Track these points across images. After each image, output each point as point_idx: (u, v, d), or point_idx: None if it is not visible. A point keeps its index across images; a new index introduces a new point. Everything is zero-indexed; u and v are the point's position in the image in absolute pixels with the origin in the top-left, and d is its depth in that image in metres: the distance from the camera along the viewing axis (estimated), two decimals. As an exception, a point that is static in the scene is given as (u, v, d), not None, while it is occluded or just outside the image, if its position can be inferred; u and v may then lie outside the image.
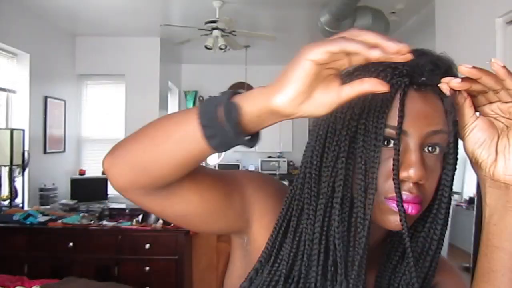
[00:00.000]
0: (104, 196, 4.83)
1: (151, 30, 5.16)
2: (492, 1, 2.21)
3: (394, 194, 0.51)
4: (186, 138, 0.48)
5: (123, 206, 4.53)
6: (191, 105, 7.35)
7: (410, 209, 0.53)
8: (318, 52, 0.41)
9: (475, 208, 2.25)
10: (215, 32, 4.26)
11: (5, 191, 3.83)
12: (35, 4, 4.19)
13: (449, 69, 0.58)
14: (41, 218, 3.25)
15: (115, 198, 5.16)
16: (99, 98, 5.63)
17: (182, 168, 0.51)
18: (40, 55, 4.51)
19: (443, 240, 0.60)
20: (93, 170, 5.32)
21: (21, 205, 3.89)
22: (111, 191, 5.07)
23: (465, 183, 2.67)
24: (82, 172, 5.24)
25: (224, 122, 0.45)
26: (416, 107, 0.53)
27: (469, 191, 2.53)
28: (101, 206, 4.22)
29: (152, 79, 5.48)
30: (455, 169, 0.56)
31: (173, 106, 7.01)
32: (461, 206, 2.66)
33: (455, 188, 2.40)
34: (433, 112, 0.54)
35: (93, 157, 5.54)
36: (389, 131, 0.52)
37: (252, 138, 0.49)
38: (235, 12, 4.30)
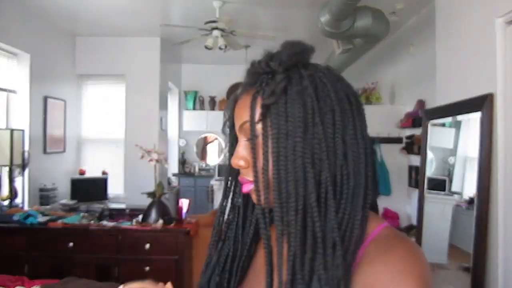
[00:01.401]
0: (104, 196, 4.83)
1: (151, 30, 5.17)
2: (492, 1, 2.21)
3: None
4: None
5: (123, 206, 4.54)
6: (191, 105, 7.35)
7: (244, 188, 0.65)
8: None
9: (475, 208, 2.25)
10: (215, 32, 4.26)
11: (5, 191, 3.83)
12: (35, 4, 4.19)
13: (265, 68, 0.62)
14: (41, 218, 3.25)
15: (115, 198, 5.17)
16: (99, 98, 5.63)
17: None
18: (40, 55, 4.51)
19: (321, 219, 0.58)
20: (93, 170, 5.32)
21: (21, 205, 3.89)
22: (111, 191, 5.07)
23: (465, 183, 2.67)
24: (82, 172, 5.25)
25: None
26: (236, 110, 0.66)
27: (469, 191, 2.53)
28: (101, 206, 4.23)
29: (152, 79, 5.48)
30: (265, 148, 0.60)
31: (173, 106, 7.02)
32: (461, 206, 2.66)
33: (455, 188, 2.38)
34: (243, 109, 0.63)
35: (93, 157, 5.54)
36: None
37: None
38: (235, 12, 4.30)
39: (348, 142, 0.60)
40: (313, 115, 0.58)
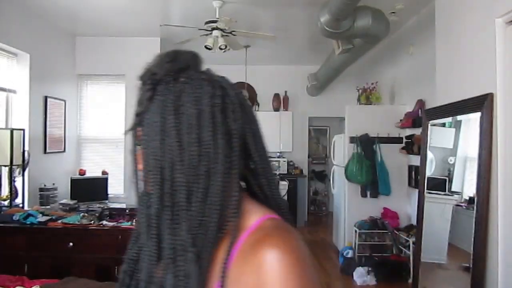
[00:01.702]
0: (104, 196, 4.83)
1: (151, 30, 5.16)
2: (492, 1, 2.21)
3: None
4: None
5: (123, 206, 4.54)
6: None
7: None
8: None
9: (475, 208, 2.25)
10: (215, 32, 4.26)
11: (5, 191, 3.83)
12: (35, 4, 4.19)
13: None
14: (41, 218, 3.25)
15: (115, 198, 5.17)
16: (99, 98, 5.63)
17: None
18: (40, 55, 4.51)
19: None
20: (93, 170, 5.32)
21: (21, 205, 3.88)
22: (111, 191, 5.07)
23: (465, 183, 2.67)
24: (82, 172, 5.24)
25: None
26: None
27: (469, 191, 2.53)
28: (101, 206, 4.22)
29: (152, 79, 5.47)
30: (143, 152, 0.65)
31: (173, 106, 7.01)
32: (461, 206, 2.66)
33: (455, 188, 2.39)
34: None
35: (93, 157, 5.54)
36: None
37: None
38: (235, 12, 4.30)
39: (204, 144, 0.62)
40: (170, 122, 0.62)
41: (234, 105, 0.66)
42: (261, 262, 0.56)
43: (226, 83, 0.67)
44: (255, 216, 0.64)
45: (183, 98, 0.63)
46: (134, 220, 3.27)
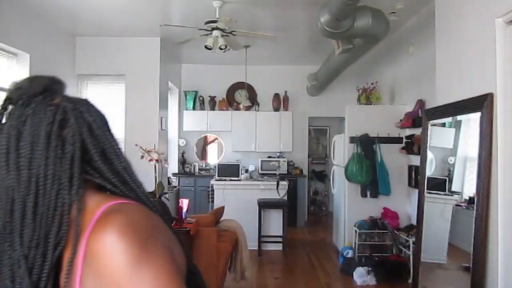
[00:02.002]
0: (104, 196, 4.82)
1: (151, 30, 5.17)
2: (492, 1, 2.21)
3: None
4: None
5: (123, 206, 4.53)
6: (191, 105, 7.35)
7: None
8: None
9: (475, 208, 2.25)
10: (215, 32, 4.26)
11: (5, 191, 3.82)
12: (35, 4, 4.20)
13: None
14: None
15: (115, 198, 5.16)
16: (99, 98, 5.63)
17: None
18: (40, 55, 4.51)
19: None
20: (93, 170, 5.31)
21: (21, 205, 3.88)
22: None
23: (465, 183, 2.67)
24: (82, 172, 5.24)
25: None
26: None
27: (469, 191, 2.53)
28: (101, 206, 4.22)
29: (152, 79, 5.48)
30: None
31: (173, 106, 7.01)
32: (461, 206, 2.66)
33: (455, 188, 2.39)
34: None
35: (93, 157, 5.54)
36: None
37: None
38: (235, 12, 4.30)
39: (35, 167, 0.65)
40: (12, 146, 0.66)
41: (74, 129, 0.69)
42: (99, 251, 0.59)
43: (72, 107, 0.71)
44: (99, 204, 0.67)
45: (27, 124, 0.67)
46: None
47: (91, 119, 0.74)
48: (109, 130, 0.81)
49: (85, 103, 0.75)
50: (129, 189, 0.75)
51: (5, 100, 0.69)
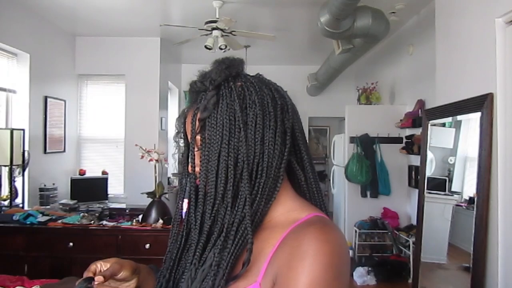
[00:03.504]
0: (104, 196, 4.82)
1: (151, 30, 5.16)
2: (492, 1, 2.21)
3: None
4: None
5: (123, 206, 4.54)
6: (191, 105, 7.34)
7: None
8: None
9: (475, 208, 2.25)
10: (215, 32, 4.26)
11: (5, 191, 3.83)
12: (35, 4, 4.19)
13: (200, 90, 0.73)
14: (41, 218, 3.24)
15: (115, 198, 5.17)
16: (99, 98, 5.63)
17: None
18: (40, 55, 4.51)
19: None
20: (93, 170, 5.32)
21: (21, 205, 3.88)
22: (111, 191, 5.07)
23: (465, 183, 2.67)
24: (82, 172, 5.24)
25: None
26: (186, 124, 0.74)
27: (469, 191, 2.53)
28: (101, 206, 4.22)
29: (152, 79, 5.48)
30: (204, 154, 0.70)
31: (173, 106, 7.01)
32: (461, 206, 2.66)
33: (455, 188, 2.39)
34: (188, 124, 0.73)
35: (93, 157, 5.54)
36: None
37: None
38: (235, 12, 4.30)
39: (266, 141, 0.68)
40: (238, 123, 0.67)
41: (288, 106, 0.72)
42: (300, 243, 0.59)
43: (277, 86, 0.74)
44: (304, 212, 0.68)
45: (247, 100, 0.69)
46: (134, 220, 3.27)
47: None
48: None
49: None
50: (319, 199, 0.76)
51: (209, 83, 0.70)
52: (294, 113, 0.73)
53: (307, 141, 0.77)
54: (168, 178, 6.29)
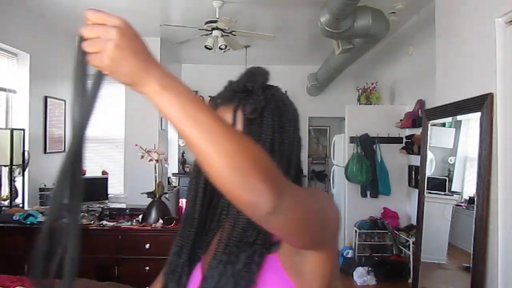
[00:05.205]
0: (104, 196, 4.82)
1: (151, 30, 5.16)
2: (492, 1, 2.21)
3: None
4: None
5: (123, 206, 4.54)
6: (191, 105, 7.34)
7: None
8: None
9: (475, 208, 2.25)
10: (215, 32, 4.26)
11: (5, 191, 3.83)
12: (35, 4, 4.19)
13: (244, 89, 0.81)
14: (41, 218, 3.25)
15: (115, 198, 5.17)
16: (99, 98, 5.62)
17: None
18: (40, 55, 4.51)
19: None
20: (93, 170, 5.31)
21: (21, 205, 3.88)
22: (111, 191, 5.07)
23: (465, 183, 2.67)
24: (82, 172, 5.23)
25: None
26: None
27: (469, 191, 2.53)
28: (101, 206, 4.22)
29: (152, 79, 5.47)
30: None
31: (173, 106, 7.01)
32: (461, 206, 2.66)
33: (455, 188, 2.38)
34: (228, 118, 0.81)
35: (93, 157, 5.54)
36: None
37: None
38: (235, 12, 4.30)
39: (295, 143, 0.82)
40: (277, 126, 0.79)
41: (296, 112, 0.86)
42: None
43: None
44: None
45: (283, 107, 0.81)
46: (134, 220, 3.27)
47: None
48: None
49: None
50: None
51: (258, 88, 0.79)
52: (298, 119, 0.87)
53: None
54: (168, 178, 6.29)
